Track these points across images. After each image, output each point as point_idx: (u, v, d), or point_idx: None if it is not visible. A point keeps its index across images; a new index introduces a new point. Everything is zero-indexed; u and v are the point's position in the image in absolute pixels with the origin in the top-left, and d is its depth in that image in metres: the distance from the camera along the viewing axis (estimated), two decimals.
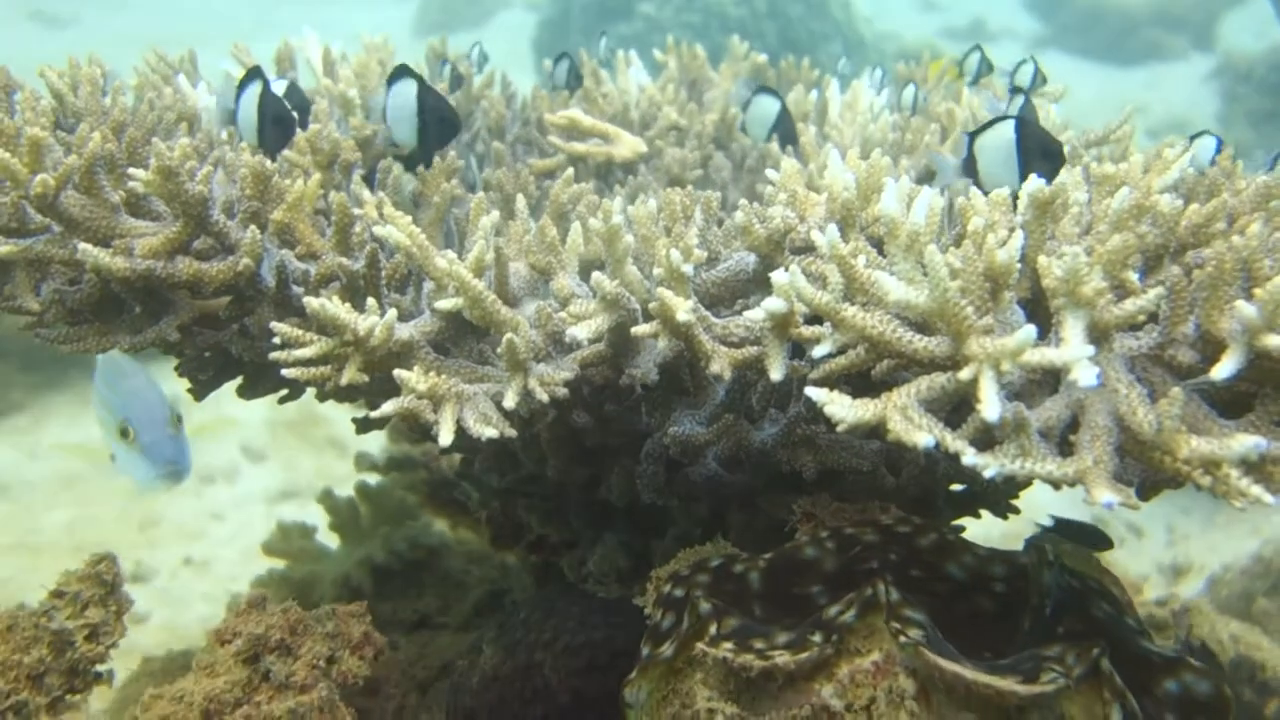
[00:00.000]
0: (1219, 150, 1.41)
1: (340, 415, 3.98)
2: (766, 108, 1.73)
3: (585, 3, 6.48)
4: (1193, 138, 1.45)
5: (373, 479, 2.22)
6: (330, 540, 2.20)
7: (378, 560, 1.96)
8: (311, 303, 1.11)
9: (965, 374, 0.96)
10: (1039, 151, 1.30)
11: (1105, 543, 1.72)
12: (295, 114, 1.47)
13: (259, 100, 1.43)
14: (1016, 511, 1.53)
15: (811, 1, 6.33)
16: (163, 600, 3.19)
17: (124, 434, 1.40)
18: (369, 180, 1.56)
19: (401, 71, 1.39)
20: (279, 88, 1.53)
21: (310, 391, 1.43)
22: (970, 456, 0.96)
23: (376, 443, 2.50)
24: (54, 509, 3.53)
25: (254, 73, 1.46)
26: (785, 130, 1.74)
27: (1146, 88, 8.01)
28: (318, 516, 2.33)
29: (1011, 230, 1.12)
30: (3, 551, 3.30)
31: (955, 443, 0.97)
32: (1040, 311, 1.09)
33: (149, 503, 3.63)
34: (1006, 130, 1.30)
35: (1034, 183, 1.14)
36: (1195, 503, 3.85)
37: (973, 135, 1.34)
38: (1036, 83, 1.89)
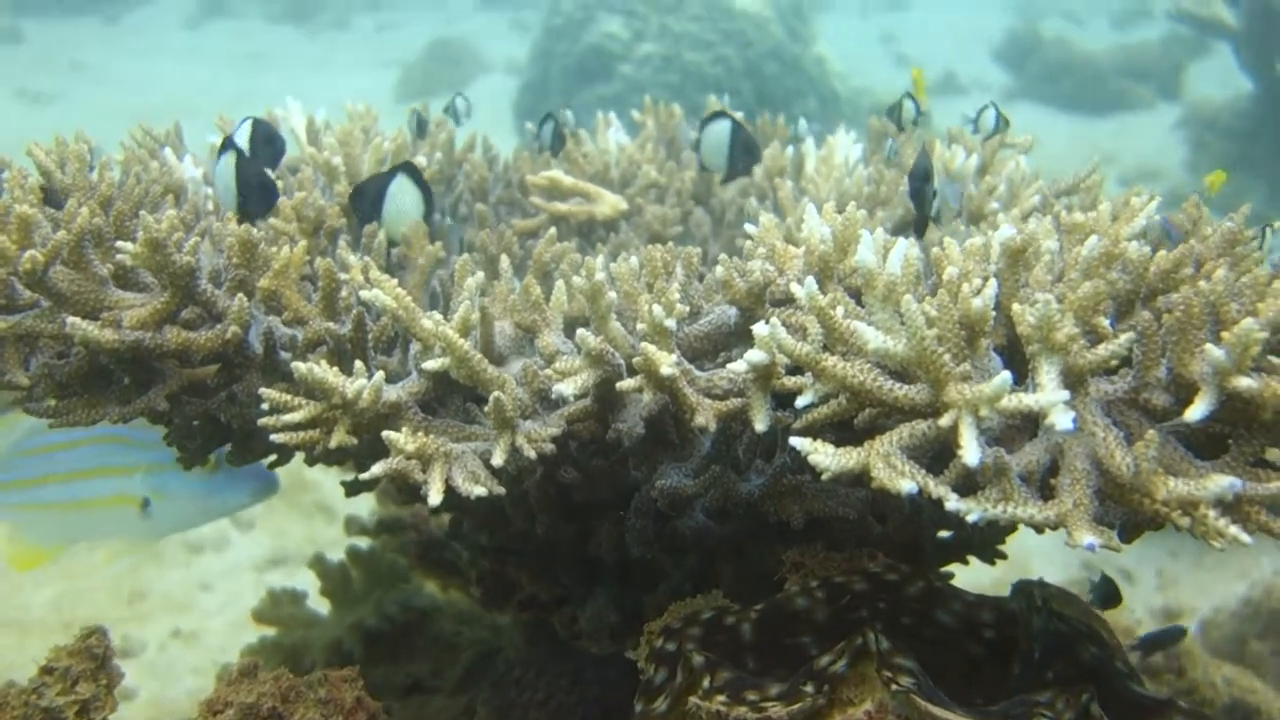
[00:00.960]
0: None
1: (328, 480, 3.96)
2: (719, 131, 1.76)
3: (565, 65, 6.58)
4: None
5: (363, 542, 2.21)
6: (321, 606, 2.19)
7: (369, 625, 1.95)
8: (299, 367, 1.13)
9: (945, 420, 0.98)
10: (744, 147, 1.75)
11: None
12: (271, 175, 1.50)
13: (235, 168, 1.46)
14: (1004, 557, 1.53)
15: (786, 60, 6.45)
16: (151, 674, 3.15)
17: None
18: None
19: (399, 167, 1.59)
20: (244, 130, 1.57)
21: (299, 459, 1.44)
22: (953, 502, 0.97)
23: (366, 506, 2.50)
24: (42, 585, 3.49)
25: (227, 143, 1.48)
26: (745, 145, 1.76)
27: (1116, 136, 8.15)
28: (307, 583, 2.31)
29: (986, 279, 1.14)
30: None
31: (938, 489, 0.98)
32: (1018, 357, 1.11)
33: (137, 573, 3.61)
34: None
35: (1005, 232, 1.16)
36: (1183, 546, 3.87)
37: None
38: (999, 127, 1.93)
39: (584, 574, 1.55)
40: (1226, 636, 3.05)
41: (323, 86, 9.52)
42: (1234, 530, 0.92)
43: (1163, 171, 7.21)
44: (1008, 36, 10.22)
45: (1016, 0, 12.74)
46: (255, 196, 1.45)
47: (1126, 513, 1.02)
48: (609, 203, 1.80)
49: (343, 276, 1.33)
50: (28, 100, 9.61)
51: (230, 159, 1.44)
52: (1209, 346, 0.96)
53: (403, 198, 1.57)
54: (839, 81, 6.93)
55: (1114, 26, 11.45)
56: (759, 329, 1.06)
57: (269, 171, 1.49)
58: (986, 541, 1.50)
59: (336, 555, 2.28)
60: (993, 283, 1.11)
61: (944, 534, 1.51)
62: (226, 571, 3.74)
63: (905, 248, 1.14)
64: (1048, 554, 3.59)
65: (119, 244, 1.24)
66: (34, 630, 3.30)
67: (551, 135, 1.94)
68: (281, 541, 3.87)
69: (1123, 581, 3.70)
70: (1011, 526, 1.49)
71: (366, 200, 1.58)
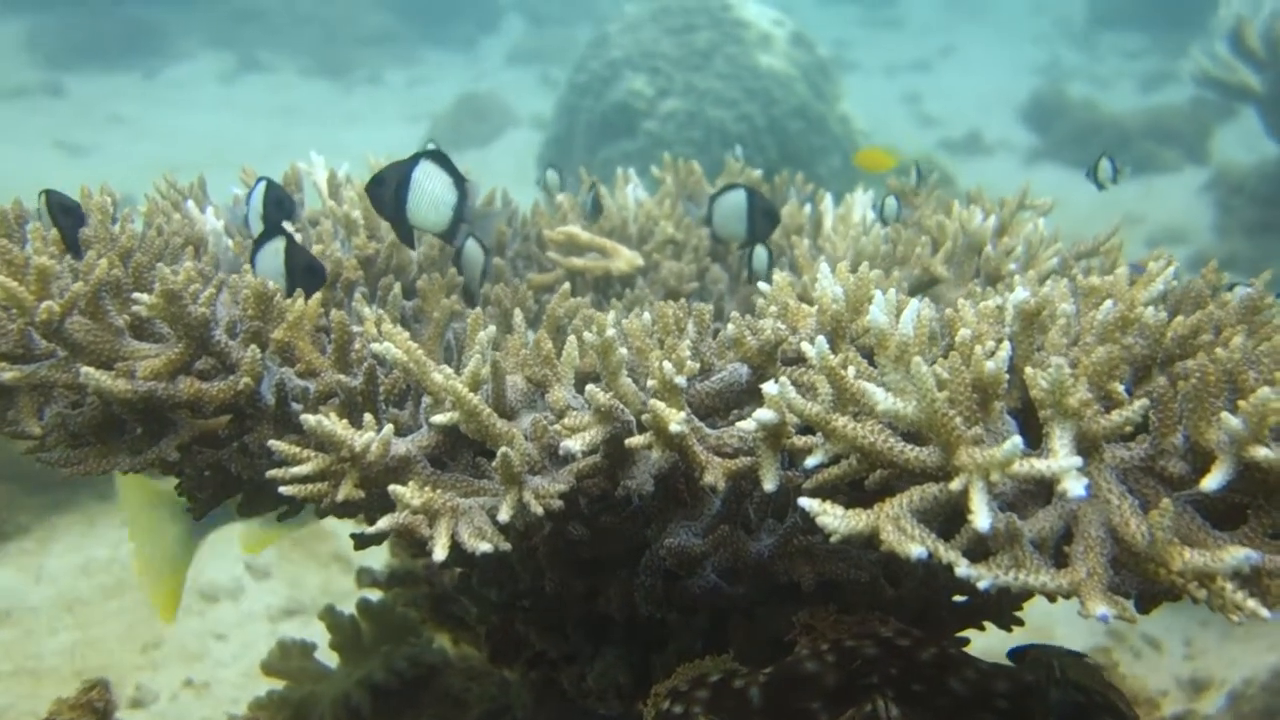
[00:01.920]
0: (1114, 170, 1.45)
1: (346, 530, 3.96)
2: (735, 202, 1.75)
3: (590, 121, 6.65)
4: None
5: (374, 595, 2.20)
6: (330, 658, 2.17)
7: (377, 679, 1.93)
8: (308, 419, 1.13)
9: (956, 484, 0.96)
10: (763, 214, 1.74)
11: None
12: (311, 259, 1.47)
13: (285, 254, 1.43)
14: (1021, 624, 1.50)
15: (810, 117, 6.49)
16: None
17: None
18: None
19: (424, 154, 1.48)
20: (258, 193, 1.57)
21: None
22: (964, 568, 0.95)
23: (380, 558, 2.48)
24: (56, 633, 3.50)
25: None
26: (765, 211, 1.75)
27: (1143, 199, 8.12)
28: (321, 634, 2.29)
29: (999, 341, 1.13)
30: (2, 678, 3.26)
31: (948, 554, 0.96)
32: (1033, 421, 1.09)
33: (152, 622, 3.60)
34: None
35: (1019, 294, 1.16)
36: (1213, 615, 3.78)
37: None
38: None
39: (592, 631, 1.53)
40: (1257, 710, 2.97)
41: (354, 139, 9.67)
42: (1252, 604, 0.90)
43: (1189, 234, 7.17)
44: (1033, 98, 10.25)
45: (1041, 63, 12.81)
46: (304, 280, 1.44)
47: (1143, 582, 1.00)
48: (625, 258, 1.80)
49: (357, 329, 1.34)
50: (65, 152, 9.80)
51: (279, 246, 1.43)
52: (1225, 415, 0.95)
53: (430, 184, 1.44)
54: (863, 139, 6.97)
55: (1140, 90, 11.47)
56: (769, 388, 1.05)
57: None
58: (1003, 606, 1.47)
59: (350, 607, 2.27)
60: (1006, 345, 1.09)
61: (959, 599, 1.48)
62: (241, 621, 3.72)
63: (918, 308, 1.13)
64: (1073, 620, 3.52)
65: (135, 295, 1.25)
66: (47, 679, 3.29)
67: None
68: (297, 591, 3.86)
69: (1150, 650, 3.63)
70: (1026, 593, 1.46)
71: (387, 189, 1.45)
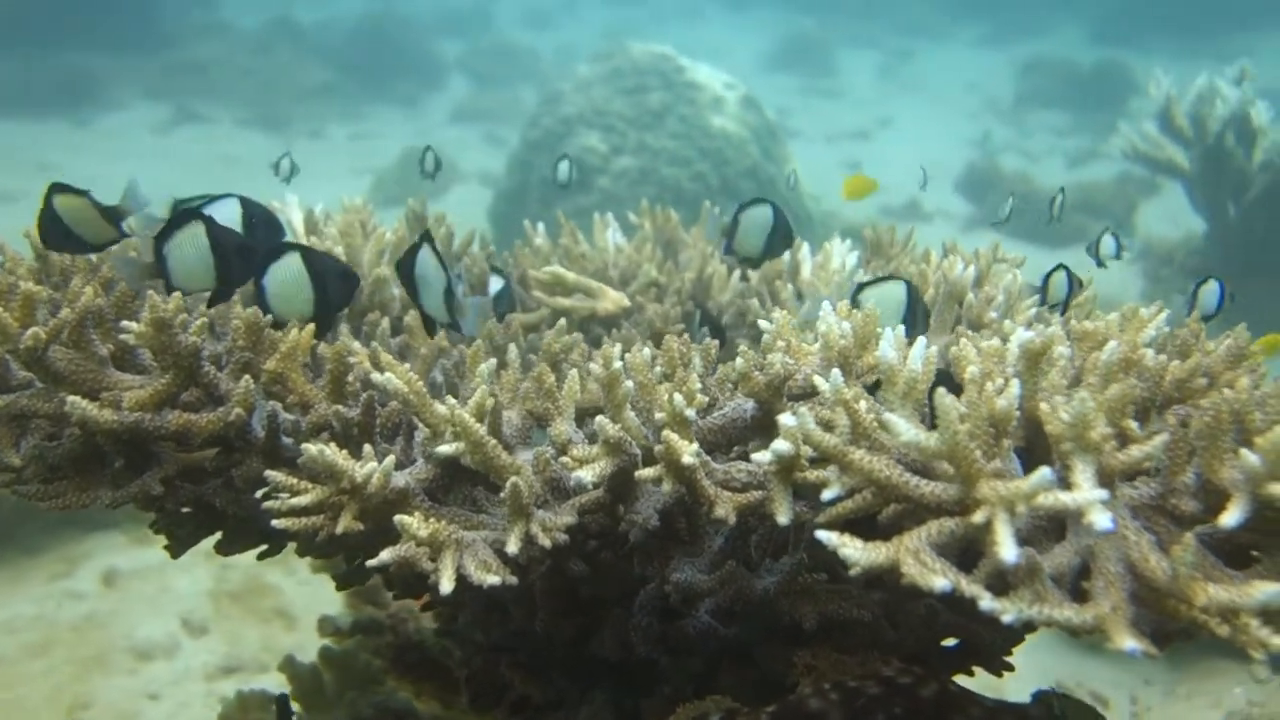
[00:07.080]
0: (1222, 294, 1.48)
1: (288, 584, 3.83)
2: (760, 215, 1.76)
3: (544, 176, 6.67)
4: (1199, 283, 1.50)
5: (336, 644, 2.13)
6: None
7: None
8: (309, 449, 1.09)
9: (978, 517, 0.96)
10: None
11: None
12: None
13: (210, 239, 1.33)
14: (1011, 669, 1.50)
15: (761, 179, 6.59)
16: None
17: None
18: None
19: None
20: (229, 207, 1.48)
21: (253, 562, 1.40)
22: (987, 601, 0.95)
23: (333, 607, 2.41)
24: None
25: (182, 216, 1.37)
26: (783, 229, 1.77)
27: (1076, 268, 8.36)
28: (266, 689, 2.21)
29: (1007, 380, 1.14)
30: None
31: (971, 587, 0.96)
32: (1032, 460, 1.10)
33: (81, 681, 3.45)
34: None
35: (1024, 335, 1.17)
36: (1157, 673, 3.84)
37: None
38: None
39: (581, 675, 1.49)
40: None
41: (297, 191, 9.56)
42: (1277, 641, 0.90)
43: (1121, 302, 7.36)
44: (969, 170, 10.54)
45: (975, 137, 13.19)
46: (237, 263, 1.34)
47: (1155, 620, 1.00)
48: (612, 299, 1.80)
49: (352, 360, 1.31)
50: None
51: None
52: (1244, 452, 0.96)
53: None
54: (812, 203, 7.09)
55: (1068, 166, 11.85)
56: (786, 420, 1.05)
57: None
58: (995, 651, 1.47)
59: (305, 658, 2.19)
60: (1015, 382, 1.10)
61: (949, 643, 1.47)
62: (176, 679, 3.58)
63: (924, 346, 1.14)
64: (1022, 674, 3.53)
65: (124, 324, 1.21)
66: None
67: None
68: (236, 648, 3.72)
69: (1097, 706, 3.65)
70: (1021, 636, 1.46)
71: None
